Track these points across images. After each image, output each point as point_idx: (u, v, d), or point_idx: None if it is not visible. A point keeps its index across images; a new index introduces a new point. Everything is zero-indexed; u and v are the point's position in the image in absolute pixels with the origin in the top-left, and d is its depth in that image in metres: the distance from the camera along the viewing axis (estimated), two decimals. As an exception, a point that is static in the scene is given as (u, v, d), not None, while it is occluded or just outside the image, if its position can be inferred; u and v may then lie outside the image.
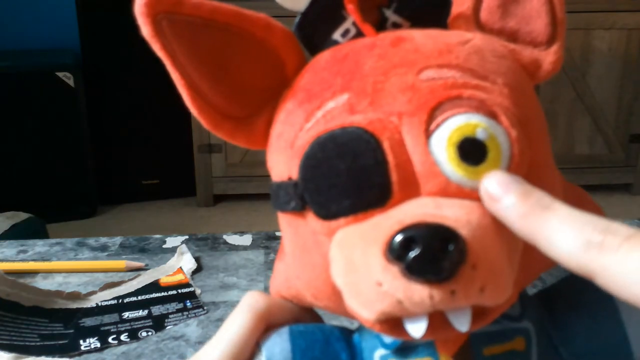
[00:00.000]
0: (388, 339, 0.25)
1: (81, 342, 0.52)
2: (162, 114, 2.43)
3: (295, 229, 0.26)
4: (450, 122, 0.23)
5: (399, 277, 0.21)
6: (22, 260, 0.66)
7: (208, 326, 0.54)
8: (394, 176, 0.22)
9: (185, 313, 0.56)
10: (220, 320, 0.55)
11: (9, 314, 0.54)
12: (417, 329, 0.22)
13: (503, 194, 0.22)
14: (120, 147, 2.46)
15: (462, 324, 0.22)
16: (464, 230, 0.21)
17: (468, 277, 0.21)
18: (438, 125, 0.23)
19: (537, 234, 0.21)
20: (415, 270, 0.21)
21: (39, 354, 0.50)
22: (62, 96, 2.23)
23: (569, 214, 0.21)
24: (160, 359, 0.50)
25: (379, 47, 0.26)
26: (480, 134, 0.23)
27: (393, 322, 0.22)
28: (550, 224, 0.21)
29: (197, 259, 0.65)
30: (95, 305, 0.57)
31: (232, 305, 0.57)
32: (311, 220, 0.24)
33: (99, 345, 0.52)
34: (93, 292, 0.59)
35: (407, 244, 0.21)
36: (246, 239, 0.71)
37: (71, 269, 0.64)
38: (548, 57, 0.27)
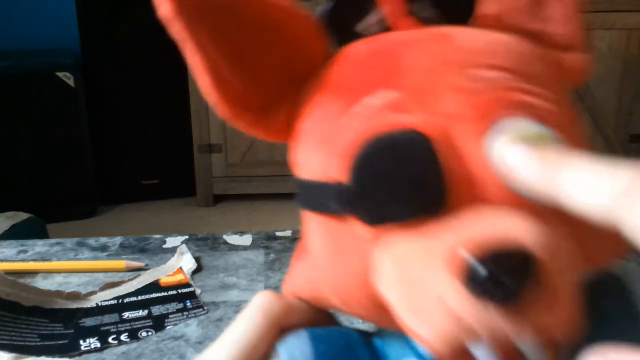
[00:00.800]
0: (424, 347, 0.24)
1: (81, 342, 0.52)
2: (162, 114, 2.43)
3: (330, 231, 0.25)
4: (507, 127, 0.22)
5: (468, 297, 0.20)
6: (22, 260, 0.66)
7: (208, 326, 0.54)
8: (451, 182, 0.22)
9: (185, 313, 0.56)
10: (220, 320, 0.55)
11: (9, 314, 0.54)
12: (482, 352, 0.20)
13: (519, 162, 0.21)
14: (120, 147, 2.46)
15: (530, 349, 0.20)
16: (534, 247, 0.20)
17: (537, 296, 0.20)
18: (494, 130, 0.22)
19: (558, 191, 0.20)
20: (487, 292, 0.19)
21: (39, 354, 0.50)
22: (62, 96, 2.23)
23: (587, 164, 0.20)
24: (160, 359, 0.50)
25: (421, 42, 0.25)
26: (537, 143, 0.21)
27: (455, 345, 0.21)
28: (570, 178, 0.20)
29: (197, 259, 0.65)
30: (95, 305, 0.57)
31: (232, 305, 0.57)
32: (354, 225, 0.23)
33: (99, 345, 0.51)
34: (93, 292, 0.59)
35: (479, 263, 0.20)
36: (246, 239, 0.71)
37: (71, 269, 0.64)
38: (577, 62, 0.26)
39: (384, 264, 0.22)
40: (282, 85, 0.26)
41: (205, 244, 0.69)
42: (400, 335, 0.25)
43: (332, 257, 0.25)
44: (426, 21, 0.26)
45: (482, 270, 0.19)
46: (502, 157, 0.21)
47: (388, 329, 0.26)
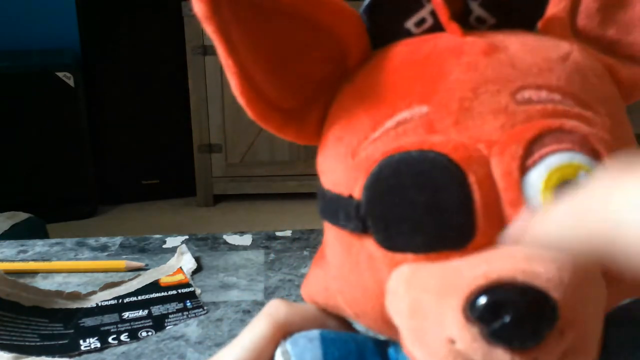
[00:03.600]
0: None
1: (81, 342, 0.52)
2: (162, 114, 2.43)
3: (347, 248, 0.23)
4: (550, 159, 0.20)
5: (479, 340, 0.19)
6: (22, 260, 0.66)
7: (208, 326, 0.54)
8: (480, 217, 0.20)
9: (185, 313, 0.56)
10: (220, 320, 0.55)
11: (9, 314, 0.54)
12: None
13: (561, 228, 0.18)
14: (120, 147, 2.46)
15: None
16: (555, 292, 0.18)
17: (554, 344, 0.19)
18: (535, 162, 0.20)
19: (610, 254, 0.17)
20: (501, 337, 0.18)
21: (39, 354, 0.50)
22: (62, 96, 2.23)
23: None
24: (160, 359, 0.50)
25: (468, 54, 0.22)
26: (582, 178, 0.20)
27: None
28: (623, 240, 0.17)
29: (197, 259, 0.65)
30: (95, 305, 0.57)
31: (232, 305, 0.57)
32: (370, 245, 0.22)
33: (99, 345, 0.51)
34: (93, 292, 0.59)
35: (494, 309, 0.18)
36: (246, 239, 0.71)
37: (71, 269, 0.64)
38: None
39: (398, 288, 0.21)
40: (315, 87, 0.25)
41: (205, 244, 0.69)
42: None
43: (347, 272, 0.24)
44: (482, 22, 0.24)
45: (497, 318, 0.18)
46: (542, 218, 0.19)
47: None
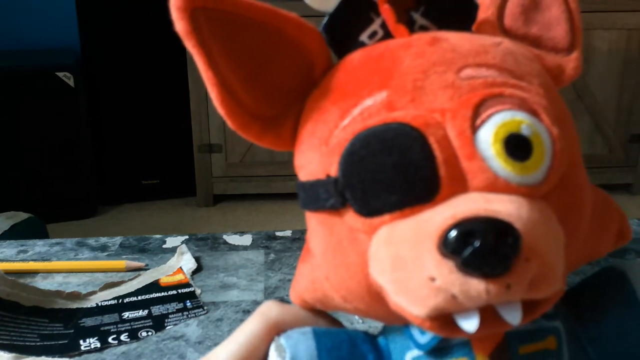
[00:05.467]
0: (423, 339, 0.25)
1: (81, 342, 0.52)
2: (162, 114, 2.43)
3: (330, 228, 0.25)
4: (495, 118, 0.23)
5: (455, 272, 0.21)
6: (22, 260, 0.66)
7: (208, 326, 0.54)
8: (443, 171, 0.23)
9: (185, 313, 0.56)
10: (220, 320, 0.55)
11: (9, 314, 0.54)
12: (470, 324, 0.22)
13: None
14: (120, 147, 2.46)
15: (514, 317, 0.22)
16: (517, 224, 0.21)
17: (522, 270, 0.21)
18: (483, 122, 0.23)
19: None
20: (472, 265, 0.21)
21: (39, 354, 0.50)
22: (62, 96, 2.23)
23: None
24: (160, 359, 0.50)
25: (415, 46, 0.26)
26: (525, 130, 0.23)
27: (443, 319, 0.22)
28: None
29: (197, 259, 0.65)
30: (95, 305, 0.57)
31: (232, 305, 0.57)
32: (350, 218, 0.24)
33: (99, 345, 0.52)
34: (93, 292, 0.59)
35: (464, 238, 0.21)
36: (246, 239, 0.71)
37: (71, 269, 0.64)
38: (570, 63, 0.28)
39: (379, 249, 0.23)
40: (289, 96, 0.27)
41: (205, 244, 0.69)
42: (401, 330, 0.26)
43: (331, 253, 0.26)
44: (425, 30, 0.28)
45: (467, 246, 0.21)
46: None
47: (390, 326, 0.27)
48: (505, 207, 0.22)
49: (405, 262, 0.22)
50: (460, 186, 0.23)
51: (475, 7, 0.28)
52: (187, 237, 0.71)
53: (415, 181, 0.23)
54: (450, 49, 0.25)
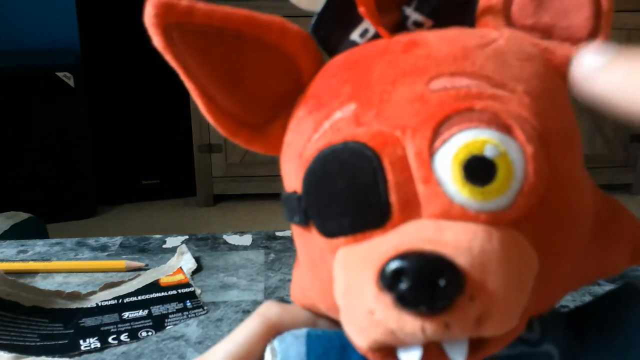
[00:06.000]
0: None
1: (81, 342, 0.52)
2: (162, 114, 2.43)
3: (304, 242, 0.25)
4: (456, 138, 0.21)
5: (391, 308, 0.20)
6: (22, 260, 0.66)
7: (208, 326, 0.54)
8: (394, 196, 0.21)
9: (185, 313, 0.56)
10: (220, 320, 0.55)
11: (8, 314, 0.54)
12: (410, 358, 0.21)
13: (597, 66, 0.19)
14: (120, 147, 2.46)
15: (458, 355, 0.20)
16: (462, 258, 0.20)
17: (464, 308, 0.19)
18: (444, 142, 0.21)
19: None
20: (407, 302, 0.19)
21: (39, 354, 0.50)
22: (62, 96, 2.23)
23: None
24: (160, 359, 0.50)
25: (390, 52, 0.24)
26: (489, 152, 0.21)
27: (387, 351, 0.21)
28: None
29: (197, 259, 0.65)
30: (95, 305, 0.57)
31: (232, 305, 0.57)
32: (315, 236, 0.24)
33: (99, 345, 0.51)
34: (93, 292, 0.59)
35: (398, 275, 0.19)
36: (246, 239, 0.71)
37: (71, 269, 0.64)
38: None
39: (337, 271, 0.23)
40: (275, 101, 0.27)
41: (205, 244, 0.69)
42: None
43: (309, 267, 0.26)
44: (420, 26, 0.26)
45: (403, 283, 0.19)
46: (582, 64, 0.20)
47: None
48: (455, 237, 0.20)
49: (351, 289, 0.21)
50: (414, 212, 0.21)
51: None
52: (187, 237, 0.71)
53: (366, 206, 0.22)
54: (425, 55, 0.23)
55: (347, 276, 0.22)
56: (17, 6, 2.43)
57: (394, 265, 0.20)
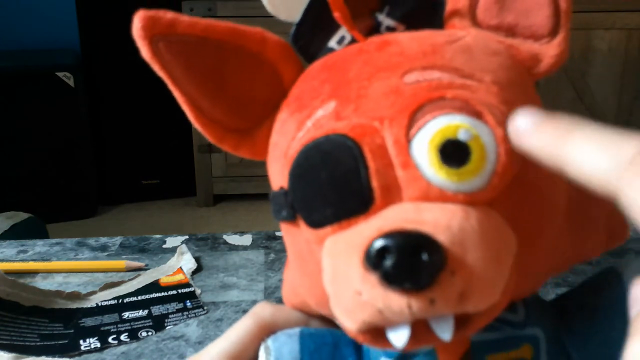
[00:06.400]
0: None
1: (81, 342, 0.52)
2: (162, 114, 2.42)
3: (293, 238, 0.26)
4: (431, 124, 0.22)
5: (377, 286, 0.20)
6: (22, 260, 0.66)
7: (208, 326, 0.54)
8: (375, 182, 0.22)
9: (185, 313, 0.56)
10: (220, 320, 0.55)
11: (8, 314, 0.54)
12: (399, 338, 0.21)
13: (530, 129, 0.21)
14: (120, 147, 2.46)
15: (445, 331, 0.21)
16: (442, 236, 0.20)
17: (447, 283, 0.20)
18: (419, 128, 0.22)
19: (564, 160, 0.20)
20: (392, 279, 0.20)
21: (39, 354, 0.50)
22: (62, 96, 2.23)
23: (596, 133, 0.19)
24: (160, 359, 0.50)
25: (365, 52, 0.26)
26: (462, 135, 0.22)
27: (376, 332, 0.22)
28: (576, 146, 0.19)
29: (197, 259, 0.65)
30: (95, 305, 0.57)
31: (232, 305, 0.57)
32: (303, 229, 0.24)
33: (99, 345, 0.52)
34: (93, 292, 0.59)
35: (382, 253, 0.20)
36: (246, 239, 0.71)
37: (71, 269, 0.64)
38: (549, 51, 0.26)
39: (325, 261, 0.23)
40: (259, 108, 0.28)
41: (205, 244, 0.69)
42: None
43: (298, 262, 0.27)
44: (393, 31, 0.27)
45: (388, 260, 0.20)
46: (514, 124, 0.22)
47: None
48: (434, 217, 0.21)
49: (338, 275, 0.22)
50: (395, 196, 0.22)
51: (440, 2, 0.27)
52: (187, 237, 0.71)
53: (348, 194, 0.22)
54: (397, 52, 0.25)
55: (334, 262, 0.23)
56: (17, 6, 2.43)
57: (378, 244, 0.20)
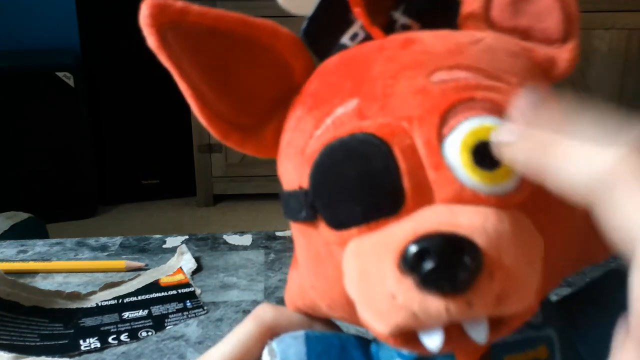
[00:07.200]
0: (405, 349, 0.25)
1: (81, 342, 0.52)
2: (162, 114, 2.43)
3: (308, 239, 0.25)
4: (463, 125, 0.22)
5: (413, 290, 0.20)
6: (22, 260, 0.66)
7: (208, 326, 0.54)
8: (407, 183, 0.22)
9: (185, 313, 0.56)
10: (220, 320, 0.55)
11: (8, 314, 0.54)
12: (433, 341, 0.21)
13: (512, 140, 0.21)
14: (120, 147, 2.46)
15: (480, 334, 0.21)
16: (479, 239, 0.20)
17: (485, 286, 0.20)
18: (451, 129, 0.22)
19: (544, 172, 0.20)
20: (430, 282, 0.20)
21: (39, 354, 0.50)
22: (62, 96, 2.23)
23: (577, 143, 0.20)
24: (160, 359, 0.50)
25: (387, 49, 0.25)
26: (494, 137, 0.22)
27: (408, 335, 0.21)
28: (556, 156, 0.20)
29: (197, 259, 0.65)
30: (95, 305, 0.57)
31: (232, 305, 0.57)
32: (323, 230, 0.24)
33: (99, 345, 0.52)
34: (93, 292, 0.59)
35: (420, 255, 0.20)
36: (246, 239, 0.71)
37: (71, 269, 0.64)
38: (563, 55, 0.26)
39: (349, 262, 0.23)
40: (267, 104, 0.27)
41: (205, 244, 0.69)
42: None
43: (313, 264, 0.26)
44: (408, 29, 0.27)
45: (424, 263, 0.20)
46: (497, 136, 0.22)
47: None
48: (469, 220, 0.21)
49: (369, 276, 0.22)
50: (427, 198, 0.22)
51: (455, 1, 0.27)
52: (187, 237, 0.71)
53: (379, 194, 0.22)
54: (422, 51, 0.24)
55: (362, 264, 0.22)
56: (17, 6, 2.43)
57: (417, 246, 0.20)
